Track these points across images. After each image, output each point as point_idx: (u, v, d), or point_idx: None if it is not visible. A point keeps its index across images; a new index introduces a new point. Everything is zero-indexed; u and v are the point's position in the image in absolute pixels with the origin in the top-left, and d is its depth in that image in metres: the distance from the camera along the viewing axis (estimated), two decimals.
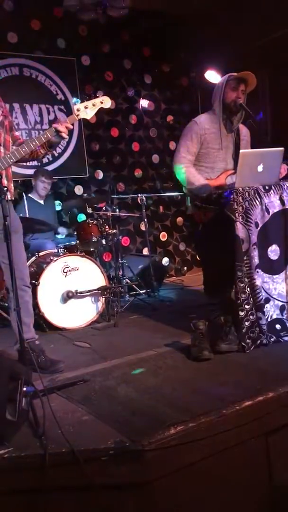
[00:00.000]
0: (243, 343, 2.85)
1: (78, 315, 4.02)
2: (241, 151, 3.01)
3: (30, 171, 5.12)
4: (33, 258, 4.18)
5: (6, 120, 2.86)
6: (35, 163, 5.44)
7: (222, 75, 3.44)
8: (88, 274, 4.09)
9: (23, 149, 2.71)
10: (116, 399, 2.34)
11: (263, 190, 2.98)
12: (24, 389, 2.05)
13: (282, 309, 3.04)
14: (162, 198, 6.60)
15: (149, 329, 3.74)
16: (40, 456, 1.84)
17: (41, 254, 4.23)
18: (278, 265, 3.05)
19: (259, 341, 2.89)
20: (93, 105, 2.86)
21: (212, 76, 5.56)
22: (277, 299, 3.03)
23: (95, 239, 4.35)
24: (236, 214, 2.86)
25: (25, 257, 3.00)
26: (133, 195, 5.57)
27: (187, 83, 6.84)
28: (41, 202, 4.92)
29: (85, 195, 5.65)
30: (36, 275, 3.88)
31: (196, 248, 6.07)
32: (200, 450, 1.95)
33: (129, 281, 4.90)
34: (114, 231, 4.61)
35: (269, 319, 2.98)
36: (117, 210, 4.98)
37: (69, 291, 3.96)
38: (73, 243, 4.34)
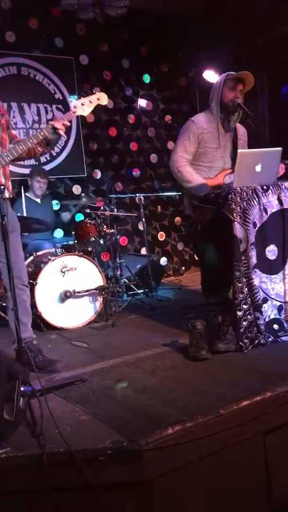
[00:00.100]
0: (241, 343, 2.85)
1: (76, 314, 4.02)
2: (239, 151, 3.02)
3: (27, 170, 5.11)
4: (31, 258, 4.17)
5: (2, 119, 2.85)
6: (32, 162, 5.44)
7: (220, 74, 3.44)
8: (86, 273, 4.08)
9: (20, 147, 2.71)
10: (114, 399, 2.34)
11: (261, 190, 2.98)
12: (22, 388, 2.05)
13: (279, 309, 3.04)
14: (160, 198, 6.60)
15: (147, 329, 3.74)
16: (37, 456, 1.84)
17: (39, 253, 4.22)
18: (276, 265, 3.05)
19: (257, 341, 2.90)
20: (90, 102, 2.85)
21: (211, 76, 5.57)
22: (275, 299, 3.03)
23: (93, 239, 4.35)
24: (234, 214, 2.86)
25: (23, 256, 2.99)
26: (131, 195, 5.57)
27: (186, 83, 6.83)
28: (38, 200, 4.92)
29: (83, 194, 5.64)
30: (34, 275, 3.87)
31: (194, 248, 6.07)
32: (198, 449, 1.95)
33: (127, 281, 4.89)
34: (112, 230, 4.61)
35: (266, 319, 2.98)
36: (115, 209, 4.98)
37: (67, 290, 3.95)
38: (71, 242, 4.33)
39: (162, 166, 6.55)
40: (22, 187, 4.70)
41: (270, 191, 3.02)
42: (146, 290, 4.96)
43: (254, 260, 2.93)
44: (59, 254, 4.07)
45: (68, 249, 4.21)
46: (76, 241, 4.33)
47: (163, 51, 6.37)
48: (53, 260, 3.94)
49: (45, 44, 5.61)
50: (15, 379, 2.02)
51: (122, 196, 5.89)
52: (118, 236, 5.14)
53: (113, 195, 5.28)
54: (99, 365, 2.92)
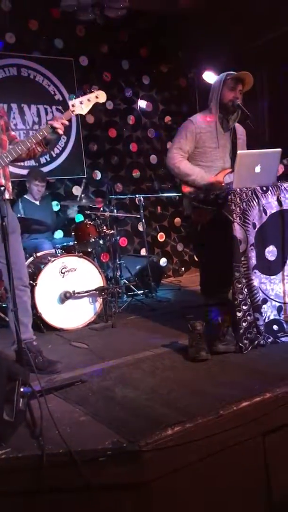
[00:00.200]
0: (240, 344, 2.85)
1: (76, 315, 4.02)
2: (238, 152, 3.02)
3: (26, 171, 5.10)
4: (31, 259, 4.17)
5: (1, 120, 2.85)
6: (32, 162, 5.44)
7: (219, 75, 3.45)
8: (85, 274, 4.09)
9: (20, 147, 2.71)
10: (114, 399, 2.34)
11: (260, 191, 2.99)
12: (22, 389, 2.05)
13: (279, 309, 3.04)
14: (160, 199, 6.60)
15: (146, 330, 3.74)
16: (37, 457, 1.84)
17: (38, 254, 4.23)
18: (276, 266, 3.06)
19: (256, 342, 2.90)
20: (88, 100, 2.85)
21: (211, 77, 5.58)
22: (274, 300, 3.03)
23: (93, 240, 4.35)
24: (234, 215, 2.87)
25: (24, 257, 2.99)
26: (131, 196, 5.57)
27: (185, 84, 6.84)
28: (37, 203, 4.91)
29: (82, 195, 5.64)
30: (33, 276, 3.87)
31: (193, 248, 6.07)
32: (197, 450, 1.95)
33: (127, 282, 4.90)
34: (112, 231, 4.61)
35: (266, 320, 2.98)
36: (115, 210, 4.98)
37: (66, 291, 3.96)
38: (71, 243, 4.33)
39: (162, 167, 6.55)
40: (21, 188, 4.70)
41: (269, 192, 3.02)
42: (145, 291, 4.96)
43: (253, 261, 2.93)
44: (59, 255, 4.07)
45: (68, 250, 4.22)
46: (76, 242, 4.33)
47: (163, 52, 6.38)
48: (53, 261, 3.95)
49: (45, 45, 5.62)
50: (15, 380, 2.03)
51: (122, 197, 5.90)
52: (118, 237, 5.14)
53: (113, 196, 5.29)
54: (99, 366, 2.92)
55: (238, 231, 2.87)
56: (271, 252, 3.03)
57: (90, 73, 5.95)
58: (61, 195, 5.76)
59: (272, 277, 3.04)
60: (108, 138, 6.21)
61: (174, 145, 3.39)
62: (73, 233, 4.46)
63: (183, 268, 6.83)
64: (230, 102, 3.29)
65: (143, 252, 6.12)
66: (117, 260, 4.93)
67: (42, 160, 5.58)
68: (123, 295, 4.88)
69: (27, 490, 1.84)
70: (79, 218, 5.54)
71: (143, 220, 5.15)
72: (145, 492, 1.85)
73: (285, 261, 3.08)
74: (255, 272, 2.94)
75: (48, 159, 5.64)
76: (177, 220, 6.80)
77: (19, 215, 4.31)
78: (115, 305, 4.35)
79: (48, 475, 1.82)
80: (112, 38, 6.06)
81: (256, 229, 2.96)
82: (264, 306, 2.98)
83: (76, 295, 3.98)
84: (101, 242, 4.52)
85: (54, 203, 5.51)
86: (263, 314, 2.96)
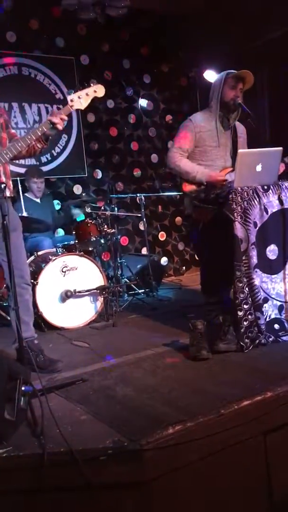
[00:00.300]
0: (241, 343, 2.85)
1: (77, 314, 4.02)
2: (239, 151, 3.02)
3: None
4: (32, 258, 4.17)
5: (1, 118, 2.85)
6: (33, 161, 5.44)
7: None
8: (86, 273, 4.09)
9: (19, 144, 2.70)
10: (115, 398, 2.34)
11: (261, 190, 2.98)
12: (23, 388, 2.05)
13: (280, 308, 3.04)
14: (161, 198, 6.60)
15: (147, 329, 3.74)
16: (38, 456, 1.84)
17: (39, 253, 4.23)
18: (277, 265, 3.05)
19: (257, 341, 2.89)
20: (87, 94, 2.83)
21: (211, 76, 5.56)
22: (275, 299, 3.03)
23: (94, 239, 4.35)
24: (235, 214, 2.86)
25: (25, 255, 2.99)
26: (132, 195, 5.57)
27: (186, 83, 6.84)
28: (38, 201, 4.91)
29: (83, 194, 5.65)
30: (34, 275, 3.87)
31: (194, 248, 6.07)
32: (198, 449, 1.94)
33: (127, 281, 4.90)
34: (113, 230, 4.61)
35: (267, 319, 2.98)
36: (116, 209, 4.98)
37: (67, 290, 3.96)
38: (72, 242, 4.33)
39: (163, 166, 6.55)
40: (21, 188, 4.69)
41: (270, 191, 3.02)
42: (146, 290, 4.96)
43: (254, 260, 2.93)
44: (60, 253, 4.07)
45: (69, 249, 4.22)
46: (77, 241, 4.33)
47: (164, 51, 6.37)
48: (54, 259, 3.95)
49: (46, 44, 5.62)
50: (16, 378, 2.03)
51: (123, 196, 5.90)
52: (119, 236, 5.14)
53: (114, 195, 5.28)
54: (100, 365, 2.92)
55: (239, 230, 2.86)
56: (272, 251, 3.03)
57: (91, 72, 5.94)
58: (62, 194, 5.76)
59: (273, 276, 3.04)
60: (109, 137, 6.21)
61: (174, 144, 3.39)
62: (74, 232, 4.46)
63: (184, 267, 6.83)
64: (231, 101, 3.28)
65: (144, 251, 6.11)
66: (118, 259, 4.93)
67: (43, 159, 5.58)
68: (124, 294, 4.88)
69: (28, 489, 1.85)
70: (80, 217, 5.54)
71: (144, 219, 5.15)
72: (146, 491, 1.85)
73: (286, 260, 3.08)
74: (256, 271, 2.93)
75: (49, 158, 5.64)
76: (178, 219, 6.80)
77: (20, 214, 4.31)
78: (116, 304, 4.35)
79: (49, 474, 1.82)
80: (113, 37, 6.06)
81: (257, 228, 2.96)
82: (265, 305, 2.98)
83: (77, 294, 3.98)
84: (102, 241, 4.52)
85: (55, 201, 5.51)
86: (264, 313, 2.95)
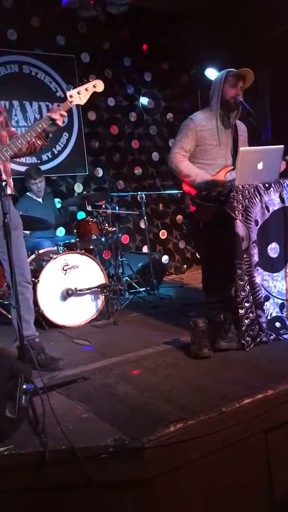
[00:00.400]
0: (242, 341, 2.85)
1: (78, 313, 4.02)
2: (241, 148, 3.01)
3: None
4: (33, 256, 4.17)
5: (1, 116, 2.85)
6: (34, 159, 5.44)
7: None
8: (87, 272, 4.09)
9: (19, 141, 2.69)
10: (116, 396, 2.35)
11: (263, 188, 2.98)
12: (24, 386, 2.05)
13: (281, 307, 3.04)
14: (161, 196, 6.59)
15: (148, 327, 3.74)
16: (39, 454, 1.84)
17: (40, 252, 4.23)
18: (278, 263, 3.05)
19: (258, 339, 2.90)
20: (86, 90, 2.82)
21: (213, 74, 5.55)
22: (276, 297, 3.03)
23: (95, 237, 4.35)
24: (236, 212, 2.86)
25: (26, 253, 2.99)
26: (133, 193, 5.57)
27: (187, 81, 6.82)
28: (40, 200, 4.91)
29: (84, 192, 5.64)
30: (36, 273, 3.87)
31: (196, 246, 6.07)
32: (199, 447, 1.95)
33: (128, 279, 4.90)
34: (114, 229, 4.60)
35: (268, 317, 2.98)
36: (117, 208, 4.98)
37: (68, 288, 3.96)
38: (73, 241, 4.33)
39: (164, 164, 6.54)
40: (22, 187, 4.69)
41: (272, 189, 3.02)
42: (147, 288, 4.96)
43: (256, 258, 2.93)
44: (60, 252, 4.07)
45: (69, 247, 4.22)
46: (77, 239, 4.33)
47: (164, 49, 6.36)
48: (55, 258, 3.95)
49: (46, 42, 5.60)
50: (17, 377, 2.03)
51: (123, 194, 5.89)
52: (119, 234, 5.14)
53: (115, 193, 5.28)
54: (101, 363, 2.92)
55: (240, 228, 2.86)
56: (273, 249, 3.03)
57: (92, 70, 5.92)
58: (63, 192, 5.76)
59: (274, 274, 3.04)
60: (110, 135, 6.20)
61: (176, 144, 3.38)
62: (75, 230, 4.47)
63: (185, 266, 6.83)
64: (232, 99, 3.28)
65: (145, 249, 6.11)
66: (119, 257, 4.93)
67: (44, 157, 5.58)
68: (125, 293, 4.88)
69: (29, 487, 1.85)
70: (81, 215, 5.55)
71: (145, 218, 5.15)
72: (147, 489, 1.86)
73: (287, 258, 3.07)
74: (257, 269, 2.93)
75: (50, 156, 5.64)
76: (179, 217, 6.79)
77: (21, 213, 4.30)
78: (117, 303, 4.35)
79: (50, 472, 1.82)
80: (114, 35, 6.05)
81: (259, 226, 2.95)
82: (266, 303, 2.97)
83: (78, 292, 3.98)
84: (103, 239, 4.52)
85: (56, 200, 5.51)
86: (265, 311, 2.95)
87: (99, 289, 4.08)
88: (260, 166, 2.97)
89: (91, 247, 4.46)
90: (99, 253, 4.73)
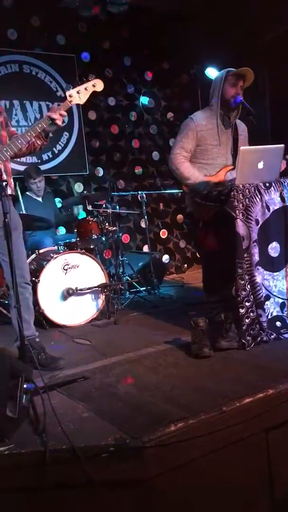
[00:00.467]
0: (243, 340, 2.85)
1: (78, 312, 4.02)
2: (241, 148, 3.01)
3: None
4: (33, 256, 4.18)
5: (1, 116, 2.85)
6: (34, 159, 5.44)
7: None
8: (88, 271, 4.09)
9: (19, 141, 2.69)
10: (116, 396, 2.35)
11: (263, 187, 2.98)
12: (25, 386, 2.06)
13: (282, 306, 3.04)
14: (162, 195, 6.59)
15: (149, 327, 3.74)
16: (40, 453, 1.84)
17: (41, 251, 4.23)
18: (279, 262, 3.05)
19: (259, 338, 2.90)
20: (86, 89, 2.82)
21: (213, 73, 5.55)
22: (277, 296, 3.03)
23: (95, 236, 4.35)
24: (237, 211, 2.86)
25: (25, 254, 2.99)
26: (133, 192, 5.57)
27: (187, 80, 6.82)
28: (39, 199, 4.91)
29: (85, 192, 5.64)
30: (36, 273, 3.87)
31: (196, 245, 6.06)
32: (200, 447, 1.95)
33: (129, 279, 4.90)
34: (114, 228, 4.61)
35: (269, 316, 2.98)
36: (117, 207, 4.98)
37: (69, 288, 3.96)
38: (73, 240, 4.34)
39: (164, 164, 6.54)
40: (22, 186, 4.68)
41: (272, 188, 3.01)
42: (148, 287, 4.96)
43: (256, 257, 2.93)
44: (61, 251, 4.07)
45: (70, 247, 4.22)
46: (78, 239, 4.33)
47: (165, 48, 6.35)
48: (55, 257, 3.95)
49: (47, 42, 5.60)
50: (18, 376, 2.03)
51: (124, 193, 5.89)
52: (120, 234, 5.14)
53: (115, 193, 5.28)
54: (102, 362, 2.92)
55: (240, 228, 2.86)
56: (274, 249, 3.03)
57: (92, 70, 5.92)
58: (63, 192, 5.76)
59: (275, 273, 3.04)
60: (110, 135, 6.20)
61: (176, 144, 3.38)
62: (75, 230, 4.47)
63: (185, 265, 6.83)
64: (232, 99, 3.28)
65: (145, 249, 6.12)
66: (120, 256, 4.93)
67: (44, 157, 5.58)
68: (125, 292, 4.88)
69: (30, 486, 1.85)
70: (82, 215, 5.54)
71: (146, 217, 5.15)
72: (148, 489, 1.86)
73: None
74: (258, 269, 2.93)
75: (50, 156, 5.64)
76: (180, 216, 6.79)
77: (21, 212, 4.31)
78: (117, 302, 4.36)
79: (51, 471, 1.82)
80: (114, 34, 6.04)
81: (259, 226, 2.95)
82: (267, 302, 2.97)
83: (78, 291, 3.98)
84: (103, 239, 4.52)
85: (57, 199, 5.51)
86: (266, 311, 2.95)
87: (100, 289, 4.08)
88: (260, 165, 2.97)
89: (91, 246, 4.46)
90: (99, 253, 4.73)
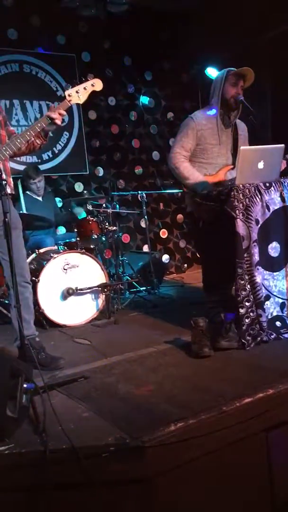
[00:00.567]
0: (243, 340, 2.85)
1: (78, 312, 4.02)
2: (241, 148, 3.01)
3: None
4: (33, 255, 4.17)
5: (0, 116, 2.85)
6: (34, 158, 5.44)
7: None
8: (88, 271, 4.09)
9: (18, 140, 2.69)
10: (116, 396, 2.35)
11: (263, 187, 2.98)
12: (25, 385, 2.05)
13: (282, 306, 3.04)
14: (162, 195, 6.59)
15: (149, 326, 3.74)
16: (40, 453, 1.84)
17: (41, 251, 4.23)
18: (279, 262, 3.05)
19: (259, 338, 2.89)
20: (85, 89, 2.82)
21: (214, 73, 5.55)
22: (277, 296, 3.03)
23: (95, 236, 4.35)
24: (237, 211, 2.86)
25: (25, 253, 2.99)
26: (133, 192, 5.57)
27: (188, 80, 6.82)
28: (39, 198, 4.90)
29: (85, 192, 5.64)
30: (36, 272, 3.87)
31: (196, 245, 6.06)
32: (200, 446, 1.95)
33: (129, 278, 4.90)
34: (114, 228, 4.60)
35: (269, 316, 2.98)
36: (117, 207, 4.97)
37: (69, 288, 3.96)
38: (73, 240, 4.33)
39: (165, 163, 6.53)
40: (22, 186, 4.68)
41: (272, 188, 3.01)
42: (148, 287, 4.96)
43: (256, 257, 2.92)
44: (61, 251, 4.07)
45: (70, 246, 4.21)
46: (78, 238, 4.33)
47: (165, 48, 6.35)
48: (56, 257, 3.94)
49: (47, 41, 5.60)
50: (18, 376, 2.03)
51: (124, 193, 5.89)
52: (120, 234, 5.14)
53: (115, 193, 5.27)
54: (102, 362, 2.92)
55: (240, 227, 2.86)
56: (274, 249, 3.03)
57: (92, 69, 5.91)
58: (63, 192, 5.76)
59: (275, 273, 3.03)
60: (111, 135, 6.20)
61: (176, 143, 3.38)
62: (75, 230, 4.46)
63: (185, 265, 6.83)
64: (233, 98, 3.28)
65: (145, 248, 6.12)
66: (120, 256, 4.93)
67: (44, 156, 5.58)
68: (125, 292, 4.88)
69: (30, 486, 1.85)
70: (82, 214, 5.53)
71: (146, 217, 5.15)
72: (148, 488, 1.86)
73: None
74: (258, 269, 2.93)
75: (50, 156, 5.64)
76: (180, 216, 6.79)
77: (21, 212, 4.30)
78: (117, 302, 4.36)
79: (51, 471, 1.82)
80: (114, 34, 6.04)
81: (259, 226, 2.95)
82: (267, 302, 2.97)
83: (78, 291, 3.98)
84: (103, 238, 4.52)
85: (57, 199, 5.51)
86: (266, 311, 2.95)
87: (100, 288, 4.08)
88: (260, 165, 2.97)
89: (91, 246, 4.46)
90: (99, 252, 4.73)
